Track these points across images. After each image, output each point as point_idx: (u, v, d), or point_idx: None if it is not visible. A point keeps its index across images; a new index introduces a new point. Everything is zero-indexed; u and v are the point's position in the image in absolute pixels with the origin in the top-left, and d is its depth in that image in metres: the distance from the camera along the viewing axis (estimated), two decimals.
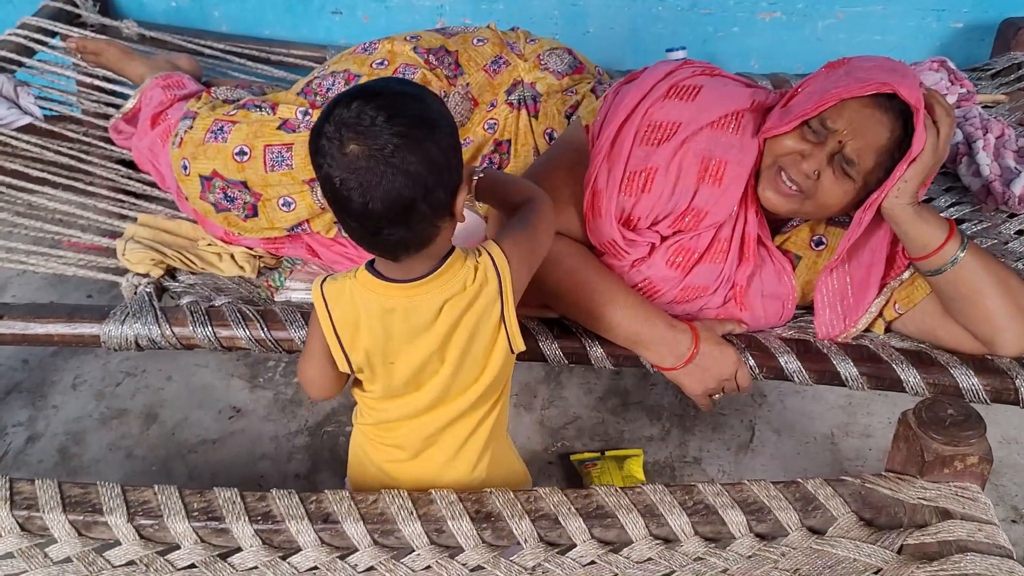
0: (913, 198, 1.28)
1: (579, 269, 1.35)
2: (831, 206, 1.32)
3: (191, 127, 1.58)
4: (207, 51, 2.16)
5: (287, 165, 1.52)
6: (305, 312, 1.42)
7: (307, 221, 1.56)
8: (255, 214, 1.56)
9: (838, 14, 2.18)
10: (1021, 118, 1.90)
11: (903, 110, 1.24)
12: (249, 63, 2.16)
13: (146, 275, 1.51)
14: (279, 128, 1.55)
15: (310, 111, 1.56)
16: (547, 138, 1.60)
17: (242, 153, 1.53)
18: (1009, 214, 1.65)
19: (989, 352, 1.35)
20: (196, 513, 1.12)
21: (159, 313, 1.40)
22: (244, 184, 1.54)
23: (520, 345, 1.14)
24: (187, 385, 2.02)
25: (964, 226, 1.64)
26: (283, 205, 1.54)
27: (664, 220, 1.37)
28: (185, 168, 1.56)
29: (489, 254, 1.11)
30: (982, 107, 1.88)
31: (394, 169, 0.96)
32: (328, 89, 1.60)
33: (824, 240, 1.46)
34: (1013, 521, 1.82)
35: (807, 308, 1.47)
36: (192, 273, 1.55)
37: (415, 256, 1.05)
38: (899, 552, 1.11)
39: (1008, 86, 1.98)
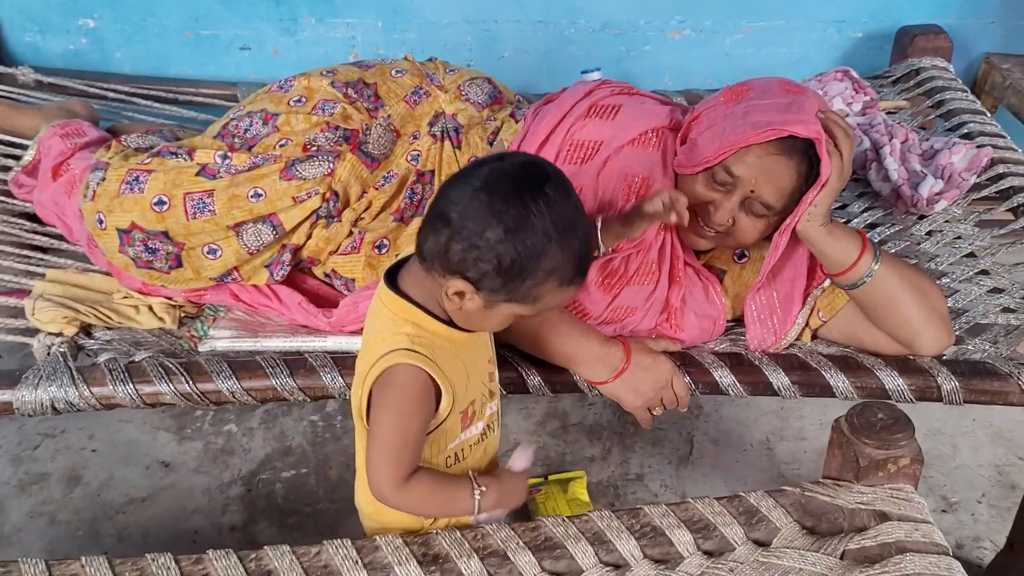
0: (824, 219, 1.32)
1: None
2: (750, 241, 1.38)
3: (103, 179, 1.52)
4: (111, 94, 2.08)
5: (209, 211, 1.47)
6: (232, 361, 1.37)
7: (235, 269, 1.51)
8: (179, 264, 1.51)
9: (745, 29, 2.23)
10: (923, 122, 1.97)
11: (804, 146, 1.27)
12: (156, 105, 2.09)
13: (59, 334, 1.43)
14: (198, 174, 1.49)
15: (229, 154, 1.51)
16: None
17: (161, 203, 1.48)
18: (919, 216, 1.71)
19: (910, 352, 1.39)
20: None
21: (75, 374, 1.34)
22: (165, 234, 1.48)
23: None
24: (111, 442, 1.94)
25: (877, 230, 1.69)
26: (208, 253, 1.49)
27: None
28: (101, 222, 1.50)
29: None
30: (886, 113, 1.95)
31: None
32: (246, 130, 1.56)
33: (746, 253, 1.49)
34: (943, 511, 1.88)
35: (737, 320, 1.49)
36: (108, 328, 1.49)
37: None
38: (842, 557, 1.13)
39: (908, 92, 2.06)
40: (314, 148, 1.51)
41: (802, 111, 1.28)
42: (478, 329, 1.10)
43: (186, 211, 1.47)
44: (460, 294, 1.03)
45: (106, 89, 2.10)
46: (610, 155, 1.37)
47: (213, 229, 1.47)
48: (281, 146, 1.52)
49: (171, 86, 2.16)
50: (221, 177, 1.48)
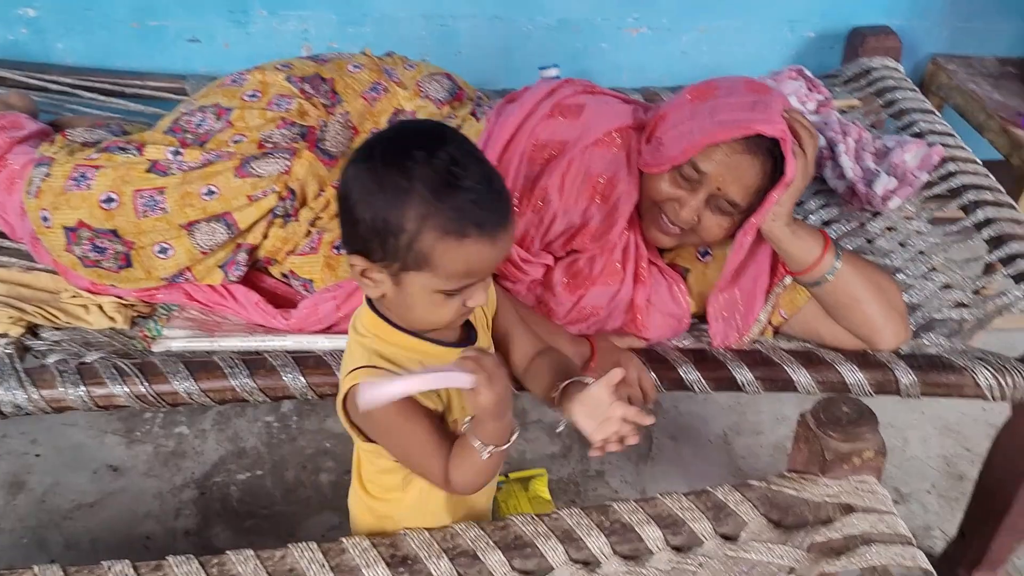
0: (788, 218, 1.33)
1: None
2: (715, 238, 1.38)
3: (48, 175, 1.46)
4: (53, 87, 2.01)
5: (160, 209, 1.42)
6: (189, 361, 1.33)
7: (188, 269, 1.47)
8: (129, 264, 1.45)
9: (700, 28, 2.25)
10: (874, 121, 2.01)
11: (770, 145, 1.29)
12: (101, 97, 2.02)
13: (4, 335, 1.38)
14: (148, 171, 1.44)
15: (180, 150, 1.47)
16: None
17: (109, 200, 1.42)
18: (874, 213, 1.74)
19: (869, 348, 1.41)
20: None
21: (23, 376, 1.29)
22: (114, 233, 1.43)
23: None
24: (55, 447, 1.87)
25: (833, 227, 1.72)
26: (159, 252, 1.45)
27: (557, 240, 1.38)
28: (46, 220, 1.44)
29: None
30: (839, 112, 1.98)
31: None
32: (198, 125, 1.52)
33: (710, 251, 1.50)
34: (895, 502, 1.91)
35: (701, 317, 1.50)
36: (57, 328, 1.44)
37: None
38: (808, 550, 1.14)
39: (860, 91, 2.10)
40: (270, 145, 1.48)
41: (768, 110, 1.29)
42: (415, 321, 1.03)
43: (136, 209, 1.42)
44: (365, 273, 0.99)
45: (47, 81, 2.02)
46: (575, 155, 1.37)
47: (164, 228, 1.43)
48: (235, 142, 1.48)
49: (116, 79, 2.09)
50: (173, 174, 1.44)
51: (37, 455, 1.86)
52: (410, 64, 1.69)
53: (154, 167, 1.45)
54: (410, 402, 1.03)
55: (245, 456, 1.89)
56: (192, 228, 1.43)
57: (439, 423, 1.06)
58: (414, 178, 0.92)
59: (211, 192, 1.43)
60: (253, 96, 1.54)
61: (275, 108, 1.52)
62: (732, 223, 1.35)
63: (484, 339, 1.14)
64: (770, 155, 1.29)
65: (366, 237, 0.96)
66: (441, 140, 0.96)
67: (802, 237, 1.34)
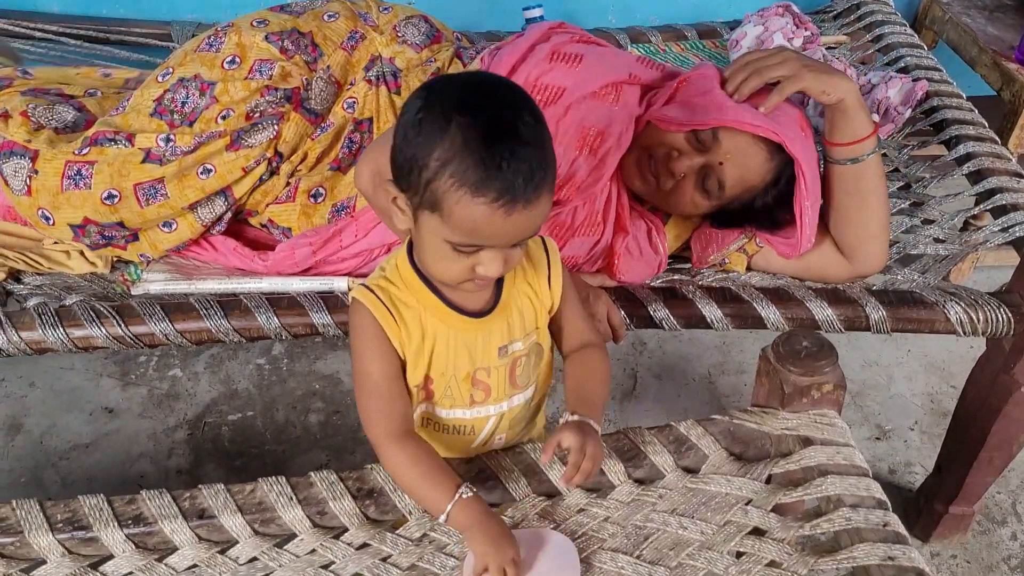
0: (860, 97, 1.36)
1: None
2: (679, 207, 1.39)
3: (36, 172, 1.42)
4: (38, 35, 2.02)
5: (162, 196, 1.42)
6: (165, 303, 1.36)
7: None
8: (136, 239, 1.48)
9: None
10: (862, 57, 1.98)
11: (784, 157, 1.33)
12: (87, 45, 2.03)
13: None
14: (143, 162, 1.43)
15: (171, 136, 1.44)
16: None
17: (111, 196, 1.41)
18: None
19: (849, 265, 1.42)
20: (60, 525, 1.08)
21: (3, 319, 1.32)
22: (120, 224, 1.44)
23: None
24: (52, 390, 1.92)
25: None
26: (164, 227, 1.47)
27: None
28: (47, 219, 1.43)
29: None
30: (826, 48, 1.95)
31: None
32: (183, 103, 1.47)
33: None
34: (877, 438, 1.93)
35: (674, 257, 1.51)
36: (39, 274, 1.47)
37: None
38: (767, 482, 1.17)
39: (848, 27, 2.06)
40: (257, 115, 1.46)
41: (793, 126, 1.33)
42: (426, 266, 1.01)
43: (138, 199, 1.42)
44: (395, 201, 0.96)
45: (32, 29, 2.02)
46: (572, 103, 1.36)
47: (168, 212, 1.44)
48: (223, 119, 1.45)
49: (102, 25, 2.09)
50: (169, 162, 1.43)
51: (35, 397, 1.90)
52: (385, 7, 1.66)
53: (148, 156, 1.43)
54: (380, 343, 1.03)
55: (237, 397, 1.93)
56: (196, 207, 1.45)
57: (399, 373, 1.06)
58: (453, 121, 0.87)
59: (207, 170, 1.43)
60: (233, 63, 1.49)
61: (257, 76, 1.48)
62: (705, 206, 1.37)
63: (518, 327, 1.10)
64: (778, 166, 1.34)
65: (399, 163, 0.93)
66: (506, 105, 0.90)
67: (864, 110, 1.36)
